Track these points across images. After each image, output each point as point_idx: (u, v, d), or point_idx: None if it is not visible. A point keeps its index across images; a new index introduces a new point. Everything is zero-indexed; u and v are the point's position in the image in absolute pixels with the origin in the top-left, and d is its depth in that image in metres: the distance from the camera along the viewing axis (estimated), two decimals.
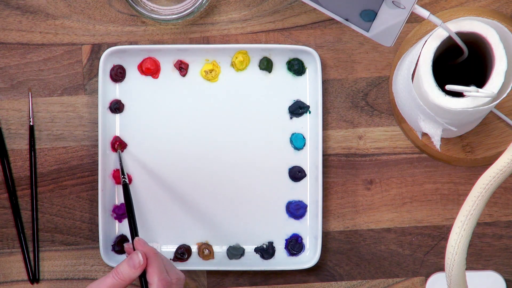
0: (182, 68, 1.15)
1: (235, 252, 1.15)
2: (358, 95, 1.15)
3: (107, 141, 1.15)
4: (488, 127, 1.13)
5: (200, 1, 1.13)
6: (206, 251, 1.15)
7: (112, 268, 1.15)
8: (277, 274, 1.16)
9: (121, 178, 1.09)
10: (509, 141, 1.13)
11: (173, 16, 1.13)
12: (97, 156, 1.14)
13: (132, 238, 1.03)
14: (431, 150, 1.14)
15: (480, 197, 0.90)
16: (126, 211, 1.06)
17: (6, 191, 1.16)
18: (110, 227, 1.15)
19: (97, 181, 1.14)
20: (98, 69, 1.13)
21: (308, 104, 1.15)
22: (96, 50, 1.15)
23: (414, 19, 1.12)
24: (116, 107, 1.15)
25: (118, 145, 1.14)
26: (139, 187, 1.15)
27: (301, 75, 1.15)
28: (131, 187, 1.15)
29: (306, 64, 1.14)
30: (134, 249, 1.01)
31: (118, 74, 1.15)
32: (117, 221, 1.16)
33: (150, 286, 0.98)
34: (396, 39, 0.97)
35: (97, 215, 1.14)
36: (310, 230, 1.15)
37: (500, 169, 0.90)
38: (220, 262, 1.15)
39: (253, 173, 1.15)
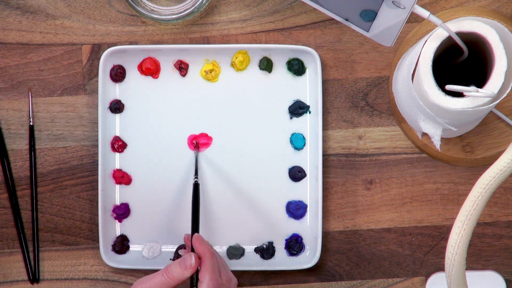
0: (182, 68, 1.15)
1: (235, 252, 1.15)
2: (358, 95, 1.15)
3: (107, 141, 1.15)
4: (488, 127, 1.13)
5: (200, 1, 1.13)
6: None
7: (112, 268, 1.15)
8: (277, 274, 1.16)
9: (194, 177, 1.10)
10: (509, 141, 1.13)
11: (173, 16, 1.13)
12: (97, 156, 1.14)
13: (193, 233, 1.03)
14: (431, 150, 1.14)
15: (480, 197, 0.90)
16: (192, 208, 1.06)
17: (6, 191, 1.16)
18: (110, 227, 1.15)
19: (97, 181, 1.14)
20: (98, 69, 1.13)
21: (308, 104, 1.15)
22: (96, 50, 1.15)
23: (414, 19, 1.12)
24: (116, 107, 1.15)
25: (196, 145, 1.14)
26: (139, 187, 1.15)
27: (301, 75, 1.15)
28: (131, 187, 1.15)
29: (306, 64, 1.14)
30: (191, 245, 1.01)
31: (118, 74, 1.15)
32: (117, 221, 1.16)
33: (200, 284, 0.98)
34: (396, 39, 0.97)
35: (97, 215, 1.14)
36: (310, 230, 1.15)
37: (500, 169, 0.90)
38: None
39: (253, 173, 1.15)
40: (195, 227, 1.04)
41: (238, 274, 1.15)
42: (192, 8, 1.13)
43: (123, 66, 1.15)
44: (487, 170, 0.91)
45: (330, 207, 1.15)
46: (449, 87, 0.93)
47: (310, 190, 1.15)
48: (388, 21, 0.96)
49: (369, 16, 0.97)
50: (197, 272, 0.99)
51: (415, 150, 1.15)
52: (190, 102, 1.15)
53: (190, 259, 0.99)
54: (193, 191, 1.08)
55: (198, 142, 1.14)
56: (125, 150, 1.15)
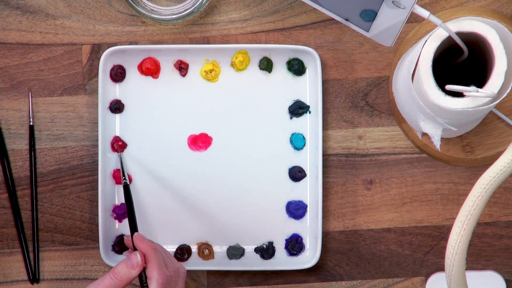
0: (182, 68, 1.15)
1: (235, 252, 1.15)
2: (358, 95, 1.15)
3: (107, 141, 1.15)
4: (488, 127, 1.13)
5: (200, 1, 1.13)
6: (206, 251, 1.15)
7: (111, 268, 1.15)
8: (277, 274, 1.16)
9: (122, 179, 1.10)
10: (509, 141, 1.13)
11: (173, 16, 1.13)
12: (97, 156, 1.14)
13: (132, 234, 1.03)
14: (431, 150, 1.14)
15: (480, 197, 0.90)
16: (126, 209, 1.06)
17: (6, 191, 1.16)
18: (110, 227, 1.15)
19: (97, 181, 1.14)
20: (98, 69, 1.13)
21: (308, 104, 1.15)
22: (96, 50, 1.15)
23: (414, 19, 1.12)
24: (116, 107, 1.15)
25: (118, 146, 1.14)
26: (139, 187, 1.15)
27: (301, 75, 1.15)
28: (131, 187, 1.15)
29: (306, 64, 1.14)
30: (133, 244, 1.02)
31: (118, 74, 1.15)
32: (117, 221, 1.16)
33: (149, 280, 0.99)
34: (396, 39, 0.97)
35: (97, 215, 1.14)
36: (310, 230, 1.15)
37: (500, 169, 0.90)
38: (220, 262, 1.15)
39: (253, 173, 1.15)
40: (133, 227, 1.04)
41: (238, 274, 1.15)
42: (192, 8, 1.13)
43: (123, 66, 1.15)
44: (487, 170, 0.91)
45: (330, 207, 1.15)
46: (449, 87, 0.93)
47: (310, 190, 1.15)
48: (388, 21, 0.96)
49: (369, 16, 0.97)
50: (144, 270, 1.00)
51: (415, 150, 1.15)
52: (190, 102, 1.15)
53: (135, 258, 0.99)
54: (125, 193, 1.08)
55: (119, 144, 1.14)
56: (125, 150, 1.15)
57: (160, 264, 1.00)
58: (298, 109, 1.15)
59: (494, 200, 1.15)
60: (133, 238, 1.02)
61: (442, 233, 1.15)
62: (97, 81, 1.15)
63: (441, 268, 1.15)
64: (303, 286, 1.16)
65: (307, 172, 1.15)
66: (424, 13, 0.95)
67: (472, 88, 0.93)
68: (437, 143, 1.04)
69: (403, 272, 1.15)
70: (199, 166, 1.15)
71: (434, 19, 0.95)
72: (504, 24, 1.11)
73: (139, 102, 1.15)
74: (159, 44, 1.15)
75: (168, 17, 1.13)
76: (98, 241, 1.14)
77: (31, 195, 1.16)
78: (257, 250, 1.15)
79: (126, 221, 1.15)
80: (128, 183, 1.09)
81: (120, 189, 1.15)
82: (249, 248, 1.16)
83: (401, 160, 1.15)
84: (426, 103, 0.99)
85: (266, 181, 1.15)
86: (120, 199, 1.15)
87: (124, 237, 1.08)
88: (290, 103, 1.15)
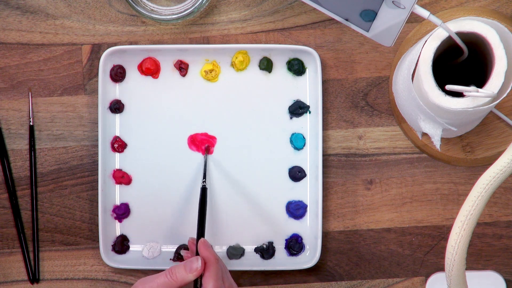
0: (182, 68, 1.15)
1: (235, 252, 1.15)
2: (358, 95, 1.15)
3: (107, 141, 1.15)
4: (488, 127, 1.13)
5: (200, 1, 1.13)
6: None
7: (112, 268, 1.15)
8: (277, 274, 1.16)
9: (202, 181, 1.10)
10: (509, 141, 1.13)
11: (173, 16, 1.13)
12: (97, 156, 1.14)
13: (198, 238, 1.03)
14: (431, 150, 1.14)
15: (480, 197, 0.90)
16: (198, 212, 1.06)
17: (6, 191, 1.16)
18: (110, 227, 1.15)
19: (97, 181, 1.14)
20: (98, 69, 1.13)
21: (308, 104, 1.15)
22: (96, 50, 1.15)
23: (414, 19, 1.12)
24: (116, 107, 1.15)
25: (206, 148, 1.14)
26: (139, 187, 1.15)
27: (301, 75, 1.15)
28: (130, 187, 1.15)
29: (306, 64, 1.14)
30: (196, 249, 1.02)
31: (118, 74, 1.15)
32: (117, 221, 1.16)
33: None
34: (396, 39, 0.97)
35: (97, 215, 1.14)
36: (310, 230, 1.15)
37: (500, 169, 0.90)
38: None
39: (253, 173, 1.15)
40: (200, 232, 1.04)
41: (238, 274, 1.15)
42: (192, 8, 1.13)
43: (123, 66, 1.15)
44: (487, 170, 0.91)
45: (330, 207, 1.15)
46: (449, 87, 0.93)
47: (310, 190, 1.15)
48: (388, 21, 0.96)
49: (369, 16, 0.97)
50: (200, 276, 0.99)
51: (415, 150, 1.15)
52: (190, 102, 1.15)
53: (196, 263, 0.99)
54: (201, 195, 1.08)
55: (209, 146, 1.14)
56: (125, 150, 1.15)
57: (218, 276, 0.99)
58: (298, 109, 1.15)
59: (494, 200, 1.15)
60: (198, 243, 1.02)
61: (442, 233, 1.15)
62: (97, 81, 1.15)
63: (441, 268, 1.15)
64: (303, 286, 1.16)
65: (307, 172, 1.15)
66: (424, 13, 0.95)
67: (472, 88, 0.93)
68: (437, 143, 1.04)
69: (403, 272, 1.16)
70: (199, 166, 1.15)
71: (434, 19, 0.95)
72: (504, 24, 1.11)
73: (139, 102, 1.15)
74: (159, 44, 1.15)
75: (168, 17, 1.13)
76: (98, 241, 1.14)
77: (31, 195, 1.16)
78: (257, 250, 1.15)
79: (126, 221, 1.15)
80: (206, 186, 1.09)
81: (120, 189, 1.15)
82: (249, 248, 1.16)
83: (401, 160, 1.15)
84: (426, 103, 0.99)
85: (266, 181, 1.15)
86: (120, 199, 1.15)
87: (189, 238, 1.08)
88: (290, 103, 1.15)
